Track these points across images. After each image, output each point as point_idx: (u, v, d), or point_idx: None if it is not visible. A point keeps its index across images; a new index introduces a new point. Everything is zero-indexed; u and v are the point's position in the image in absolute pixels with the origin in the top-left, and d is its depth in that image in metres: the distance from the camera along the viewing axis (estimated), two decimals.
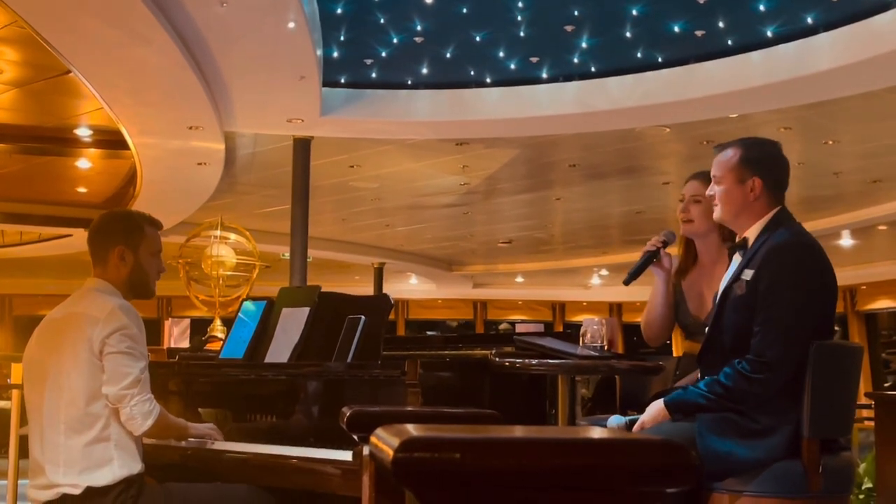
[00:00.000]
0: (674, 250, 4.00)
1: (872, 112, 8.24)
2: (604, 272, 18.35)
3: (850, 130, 9.02)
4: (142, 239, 3.54)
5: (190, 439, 3.70)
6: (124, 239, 3.51)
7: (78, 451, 3.30)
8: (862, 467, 7.29)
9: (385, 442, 0.95)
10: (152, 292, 3.60)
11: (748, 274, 3.16)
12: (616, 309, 21.00)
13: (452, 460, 0.87)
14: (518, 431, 1.05)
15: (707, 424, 3.10)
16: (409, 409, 3.21)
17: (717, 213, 3.35)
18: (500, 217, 13.72)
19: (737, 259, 3.28)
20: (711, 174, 3.38)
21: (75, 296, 3.53)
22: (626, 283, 3.86)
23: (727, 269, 3.41)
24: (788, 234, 3.18)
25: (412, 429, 0.97)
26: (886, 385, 17.22)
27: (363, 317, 3.89)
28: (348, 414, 2.84)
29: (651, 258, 3.83)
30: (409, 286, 20.21)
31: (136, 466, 3.36)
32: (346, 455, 3.17)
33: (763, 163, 3.27)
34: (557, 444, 0.97)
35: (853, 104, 7.92)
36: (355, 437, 2.98)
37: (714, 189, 3.34)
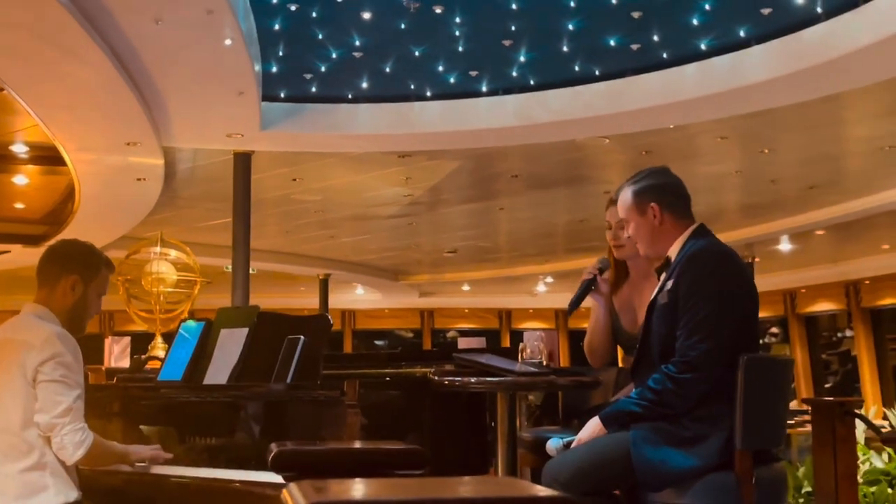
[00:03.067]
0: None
1: (806, 121, 8.40)
2: (549, 279, 18.46)
3: (786, 139, 9.18)
4: (96, 276, 3.57)
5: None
6: (81, 270, 3.52)
7: (12, 478, 3.27)
8: (801, 471, 7.42)
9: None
10: (83, 330, 3.60)
11: (669, 284, 3.28)
12: (562, 315, 21.09)
13: None
14: (416, 489, 1.06)
15: (641, 434, 3.16)
16: (332, 446, 3.21)
17: (640, 249, 3.50)
18: (444, 227, 13.76)
19: (663, 276, 3.39)
20: (621, 219, 3.57)
21: (12, 321, 3.51)
22: (569, 313, 3.97)
23: (657, 283, 3.51)
24: (705, 243, 3.32)
25: (313, 493, 0.98)
26: (827, 386, 17.51)
27: (302, 337, 3.89)
28: (273, 454, 2.84)
29: (589, 286, 3.92)
30: (355, 296, 20.16)
31: (72, 494, 3.34)
32: None
33: (652, 188, 3.42)
34: None
35: (788, 114, 8.06)
36: (281, 478, 2.98)
37: (628, 230, 3.49)
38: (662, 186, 3.42)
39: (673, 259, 3.36)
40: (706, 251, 3.29)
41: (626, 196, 3.45)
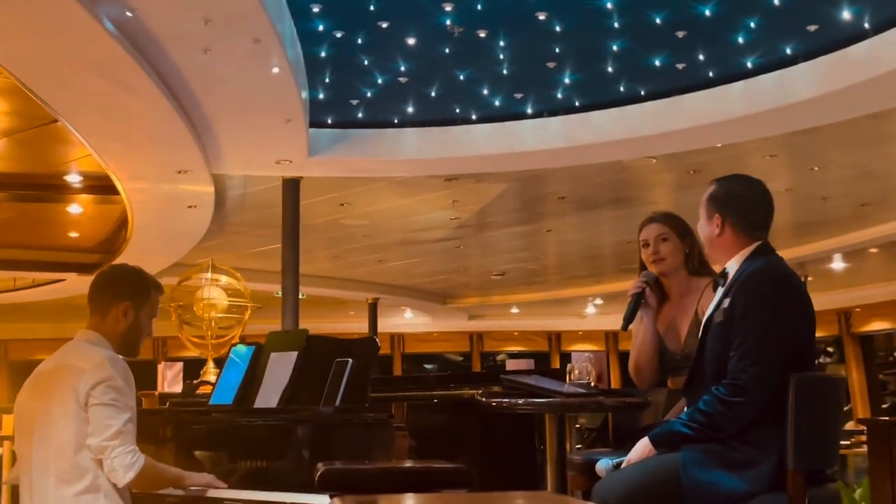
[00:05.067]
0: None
1: (856, 138, 8.30)
2: (598, 301, 18.36)
3: (836, 156, 9.08)
4: (146, 301, 3.62)
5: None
6: (131, 296, 3.58)
7: (67, 501, 3.32)
8: (858, 493, 7.31)
9: None
10: (137, 353, 3.65)
11: (726, 302, 3.25)
12: (612, 337, 20.98)
13: None
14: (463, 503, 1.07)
15: (691, 456, 3.14)
16: (377, 465, 3.22)
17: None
18: (492, 250, 13.76)
19: (720, 291, 3.36)
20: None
21: (65, 347, 3.57)
22: (625, 328, 3.94)
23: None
24: (763, 263, 3.28)
25: None
26: (884, 406, 17.19)
27: (350, 360, 3.91)
28: (319, 472, 2.86)
29: (639, 300, 3.90)
30: (404, 320, 20.19)
31: None
32: None
33: (726, 201, 3.39)
34: None
35: (836, 131, 7.98)
36: (328, 496, 3.00)
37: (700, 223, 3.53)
38: (741, 203, 3.38)
39: (731, 275, 3.33)
40: (764, 272, 3.25)
41: (706, 192, 3.45)
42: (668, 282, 3.96)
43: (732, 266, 3.34)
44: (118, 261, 11.31)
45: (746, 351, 3.13)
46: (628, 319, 3.90)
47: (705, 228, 3.42)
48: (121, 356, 3.51)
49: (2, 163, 9.69)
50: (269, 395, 4.06)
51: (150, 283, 3.67)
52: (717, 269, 3.62)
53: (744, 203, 3.38)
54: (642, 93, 7.99)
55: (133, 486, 3.39)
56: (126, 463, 3.32)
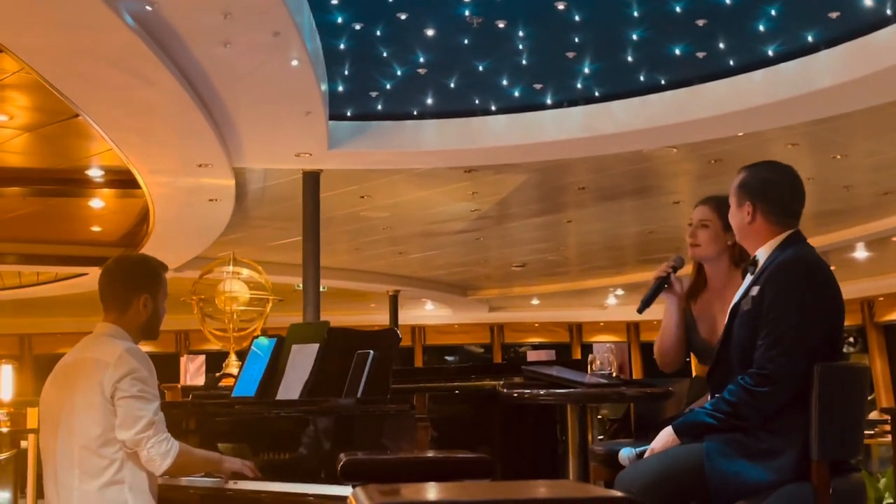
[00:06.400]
0: (686, 269, 3.99)
1: (879, 125, 8.24)
2: (619, 292, 18.31)
3: (858, 144, 9.02)
4: (160, 286, 3.64)
5: (205, 479, 3.74)
6: (148, 287, 3.60)
7: (92, 494, 3.34)
8: (882, 483, 7.27)
9: None
10: (158, 335, 3.67)
11: (754, 290, 3.22)
12: (633, 328, 20.93)
13: None
14: (480, 492, 1.07)
15: (715, 446, 3.12)
16: (399, 455, 3.23)
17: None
18: (512, 241, 13.75)
19: (748, 278, 3.33)
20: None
21: (85, 341, 3.59)
22: (640, 311, 3.84)
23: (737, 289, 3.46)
24: (794, 253, 3.24)
25: (378, 496, 0.99)
26: None
27: (372, 351, 3.92)
28: (342, 463, 2.87)
29: (662, 284, 3.83)
30: (424, 312, 20.21)
31: None
32: None
33: (757, 188, 3.34)
34: None
35: (859, 118, 7.92)
36: (350, 486, 3.00)
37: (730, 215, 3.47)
38: (772, 189, 3.33)
39: (761, 263, 3.29)
40: (794, 261, 3.21)
41: (736, 180, 3.40)
42: (710, 269, 3.89)
43: (763, 254, 3.31)
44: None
45: (774, 341, 3.09)
46: (646, 303, 3.80)
47: (736, 216, 3.38)
48: (139, 346, 3.54)
49: (24, 158, 9.76)
50: (291, 387, 4.07)
51: (159, 268, 3.68)
52: None
53: (774, 190, 3.34)
54: (663, 82, 7.96)
55: (171, 471, 3.42)
56: (163, 451, 3.36)
